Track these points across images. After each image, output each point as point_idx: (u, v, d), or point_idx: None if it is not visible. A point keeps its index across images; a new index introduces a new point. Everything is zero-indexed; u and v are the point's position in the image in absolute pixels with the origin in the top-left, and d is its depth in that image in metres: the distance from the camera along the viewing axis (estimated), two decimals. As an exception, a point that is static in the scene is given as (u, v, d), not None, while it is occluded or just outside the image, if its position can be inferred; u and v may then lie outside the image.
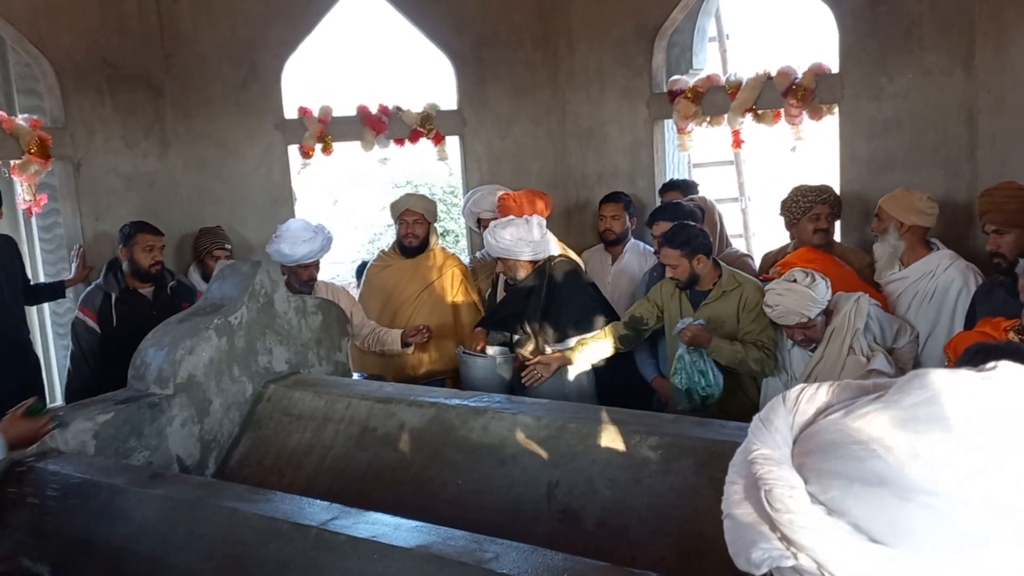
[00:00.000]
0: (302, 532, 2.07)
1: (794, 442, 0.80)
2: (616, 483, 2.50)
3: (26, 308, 4.45)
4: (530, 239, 3.84)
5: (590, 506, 2.51)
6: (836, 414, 0.78)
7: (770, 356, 3.46)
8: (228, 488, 2.47)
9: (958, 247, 3.85)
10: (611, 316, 3.91)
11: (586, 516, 2.50)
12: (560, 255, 4.00)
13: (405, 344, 4.23)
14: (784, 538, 0.74)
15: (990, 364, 0.76)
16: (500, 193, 4.53)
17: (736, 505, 0.80)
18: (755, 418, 0.86)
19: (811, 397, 0.83)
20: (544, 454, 2.67)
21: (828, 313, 3.38)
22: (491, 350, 3.87)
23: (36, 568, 2.50)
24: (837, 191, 4.76)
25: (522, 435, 2.74)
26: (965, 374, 0.75)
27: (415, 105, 5.43)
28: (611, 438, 2.58)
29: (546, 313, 3.81)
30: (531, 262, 3.88)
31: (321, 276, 4.35)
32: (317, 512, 2.16)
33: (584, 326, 3.81)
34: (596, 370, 3.80)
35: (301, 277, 4.14)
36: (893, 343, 3.49)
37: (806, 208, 4.02)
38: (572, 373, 3.76)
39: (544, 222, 3.99)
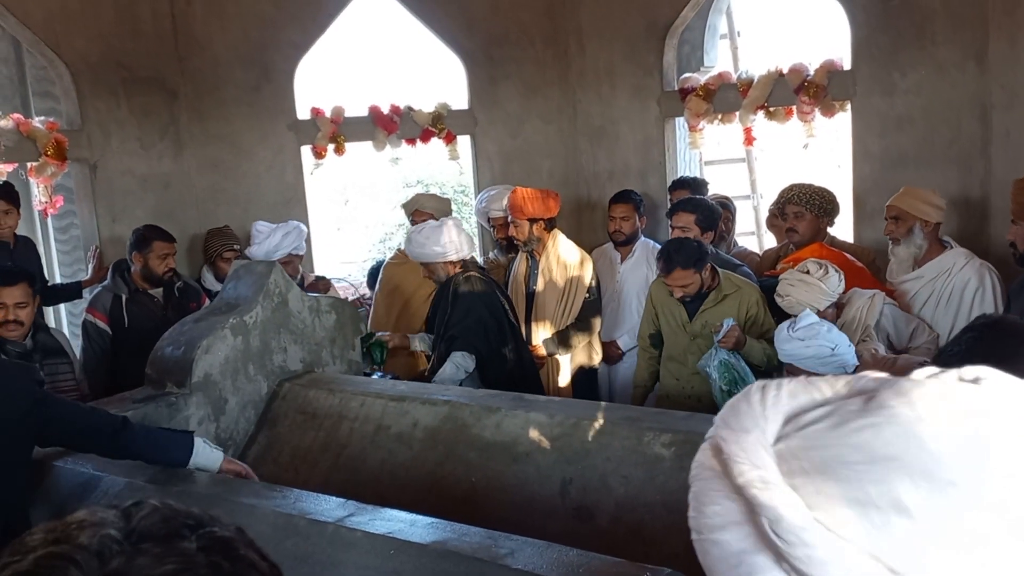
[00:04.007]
0: (319, 528, 2.09)
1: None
2: (630, 480, 2.51)
3: (43, 308, 4.49)
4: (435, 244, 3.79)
5: (604, 502, 2.52)
6: (819, 426, 0.71)
7: None
8: (245, 485, 2.49)
9: (972, 245, 3.82)
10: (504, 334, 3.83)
11: (600, 512, 2.51)
12: (465, 272, 3.88)
13: None
14: (795, 570, 0.67)
15: (974, 374, 0.70)
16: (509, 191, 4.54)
17: (722, 529, 0.72)
18: (719, 422, 0.76)
19: (774, 400, 0.74)
20: (557, 451, 2.68)
21: (840, 307, 3.37)
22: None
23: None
24: (850, 188, 4.76)
25: (535, 432, 2.75)
26: (948, 384, 0.69)
27: (426, 105, 5.45)
28: (624, 435, 2.59)
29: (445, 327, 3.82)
30: (447, 263, 3.83)
31: (333, 276, 4.42)
32: (333, 509, 2.18)
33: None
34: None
35: None
36: (909, 342, 3.46)
37: (779, 212, 4.15)
38: None
39: (455, 225, 3.90)
